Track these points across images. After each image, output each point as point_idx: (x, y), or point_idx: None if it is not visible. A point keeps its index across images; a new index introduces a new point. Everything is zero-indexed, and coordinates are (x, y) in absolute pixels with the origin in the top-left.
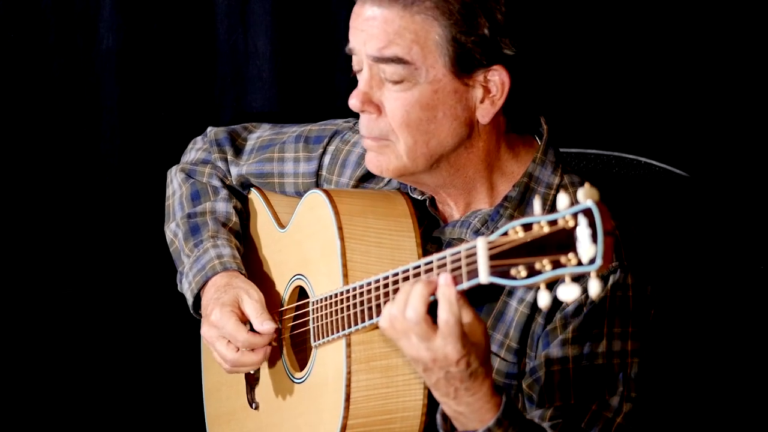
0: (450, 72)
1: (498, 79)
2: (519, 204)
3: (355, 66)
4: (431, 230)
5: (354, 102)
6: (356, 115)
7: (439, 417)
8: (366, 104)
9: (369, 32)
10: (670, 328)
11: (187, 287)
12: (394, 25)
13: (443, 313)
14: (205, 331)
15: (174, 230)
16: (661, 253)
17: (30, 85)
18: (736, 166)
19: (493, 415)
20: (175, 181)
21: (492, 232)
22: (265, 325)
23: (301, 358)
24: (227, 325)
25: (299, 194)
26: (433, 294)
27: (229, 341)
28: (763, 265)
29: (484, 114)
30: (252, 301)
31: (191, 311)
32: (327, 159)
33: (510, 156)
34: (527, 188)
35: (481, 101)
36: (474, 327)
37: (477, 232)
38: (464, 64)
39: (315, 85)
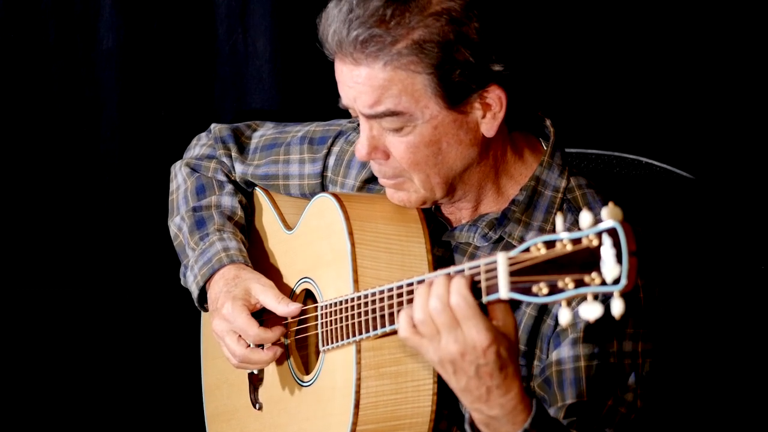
0: (445, 107)
1: (494, 95)
2: (527, 207)
3: (354, 114)
4: (437, 233)
5: (361, 154)
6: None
7: (468, 427)
8: (373, 153)
9: (356, 90)
10: (674, 328)
11: (192, 280)
12: (378, 80)
13: (453, 297)
14: (216, 324)
15: (178, 224)
16: (664, 253)
17: (30, 85)
18: (736, 166)
19: (526, 416)
20: (180, 175)
21: (499, 235)
22: (290, 306)
23: (305, 361)
24: (238, 320)
25: (305, 196)
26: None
27: (239, 336)
28: (764, 265)
29: (489, 128)
30: (266, 288)
31: (196, 304)
32: (332, 160)
33: (516, 158)
34: (534, 191)
35: (483, 117)
36: (508, 323)
37: (485, 236)
38: (456, 96)
39: (315, 85)
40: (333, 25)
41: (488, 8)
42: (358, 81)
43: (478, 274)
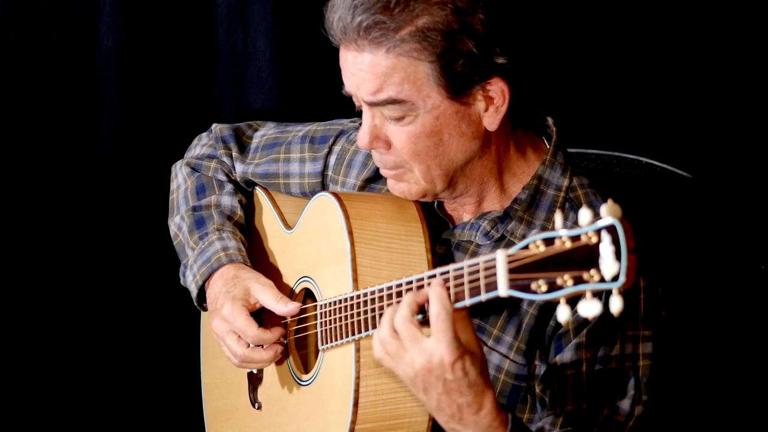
0: (447, 98)
1: (497, 88)
2: (529, 206)
3: (357, 103)
4: (440, 230)
5: (362, 142)
6: (360, 115)
7: None
8: (374, 142)
9: (359, 77)
10: (674, 328)
11: (191, 279)
12: (381, 67)
13: (434, 307)
14: (216, 324)
15: (178, 223)
16: (666, 253)
17: (30, 85)
18: (736, 166)
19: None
20: (180, 174)
21: (501, 234)
22: (289, 305)
23: (305, 360)
24: (238, 320)
25: (305, 195)
26: (422, 305)
27: (239, 336)
28: (764, 265)
29: (491, 122)
30: (265, 288)
31: (195, 304)
32: (333, 159)
33: (519, 156)
34: (537, 190)
35: (485, 110)
36: (470, 339)
37: (487, 235)
38: (459, 87)
39: (315, 85)
40: (338, 11)
41: (494, 1)
42: (361, 68)
43: (477, 272)
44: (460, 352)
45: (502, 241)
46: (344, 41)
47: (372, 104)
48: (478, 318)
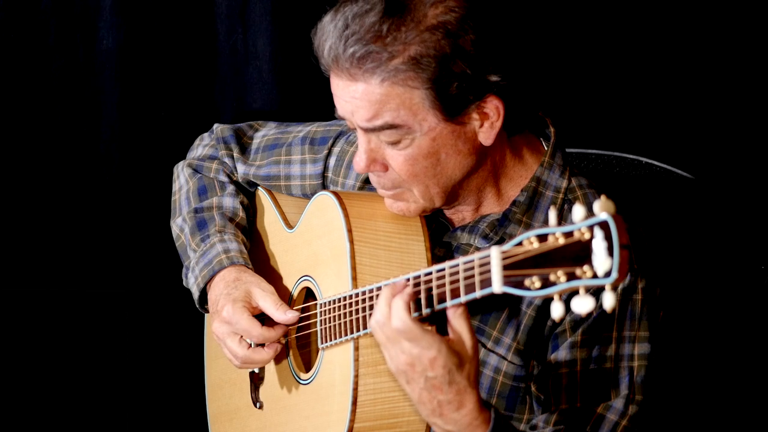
0: (443, 119)
1: (492, 105)
2: (528, 208)
3: (350, 126)
4: (439, 234)
5: (360, 167)
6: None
7: None
8: (371, 166)
9: (353, 104)
10: (674, 328)
11: (193, 282)
12: (376, 95)
13: (394, 320)
14: (217, 327)
15: (180, 225)
16: (665, 253)
17: (30, 85)
18: (736, 166)
19: (483, 431)
20: (182, 176)
21: (500, 236)
22: (288, 314)
23: (306, 359)
24: (240, 321)
25: (306, 196)
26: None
27: (240, 338)
28: (764, 265)
29: (486, 137)
30: (266, 294)
31: (197, 306)
32: (332, 161)
33: (516, 161)
34: (536, 192)
35: (481, 126)
36: (462, 334)
37: (486, 238)
38: (454, 108)
39: (315, 85)
40: (329, 40)
41: (484, 20)
42: (355, 96)
43: (472, 268)
44: (438, 349)
45: (502, 244)
46: (335, 70)
47: (368, 130)
48: (478, 320)
